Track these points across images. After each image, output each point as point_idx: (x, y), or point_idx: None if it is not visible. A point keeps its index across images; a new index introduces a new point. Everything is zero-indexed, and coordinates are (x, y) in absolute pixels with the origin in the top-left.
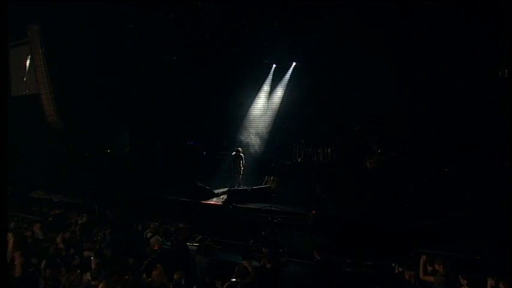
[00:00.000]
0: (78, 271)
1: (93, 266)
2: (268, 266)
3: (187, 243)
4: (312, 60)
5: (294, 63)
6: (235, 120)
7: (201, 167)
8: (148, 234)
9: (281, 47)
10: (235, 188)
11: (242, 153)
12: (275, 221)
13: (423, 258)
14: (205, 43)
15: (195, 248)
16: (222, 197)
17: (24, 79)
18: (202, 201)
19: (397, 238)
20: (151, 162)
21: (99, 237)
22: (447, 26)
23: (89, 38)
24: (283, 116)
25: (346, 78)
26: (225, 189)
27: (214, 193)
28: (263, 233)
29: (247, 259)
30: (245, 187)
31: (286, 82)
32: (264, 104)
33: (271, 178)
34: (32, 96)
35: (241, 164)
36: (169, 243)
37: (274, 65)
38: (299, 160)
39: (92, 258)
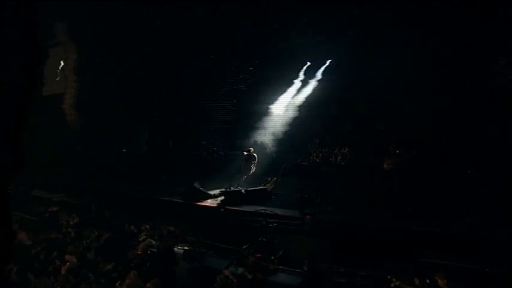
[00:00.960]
0: (52, 277)
1: (63, 272)
2: (249, 276)
3: (180, 247)
4: (341, 59)
5: (329, 61)
6: (256, 119)
7: (213, 166)
8: (142, 237)
9: (312, 44)
10: (231, 189)
11: (255, 153)
12: (270, 225)
13: None
14: (232, 40)
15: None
16: (218, 198)
17: (58, 79)
18: (196, 203)
19: (399, 246)
20: (163, 161)
21: (86, 240)
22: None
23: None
24: (306, 115)
25: (375, 76)
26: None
27: (210, 195)
28: (259, 238)
29: (232, 267)
30: (240, 188)
31: (317, 80)
32: (288, 104)
33: (274, 179)
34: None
35: (252, 165)
36: None
37: (308, 63)
38: (317, 160)
39: (67, 263)
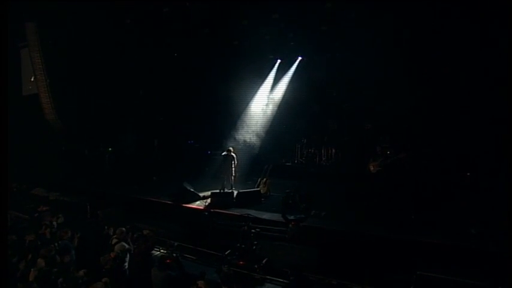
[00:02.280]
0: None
1: (30, 279)
2: None
3: (163, 251)
4: (317, 55)
5: (300, 58)
6: (236, 118)
7: (199, 166)
8: (114, 241)
9: (284, 40)
10: (224, 191)
11: (234, 153)
12: (253, 230)
13: None
14: (204, 37)
15: None
16: (206, 200)
17: (32, 79)
18: (184, 205)
19: (399, 257)
20: (150, 161)
21: (58, 242)
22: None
23: (87, 36)
24: (286, 114)
25: (355, 73)
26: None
27: (199, 196)
28: (238, 244)
29: (212, 275)
30: (233, 190)
31: (290, 78)
32: (267, 101)
33: (264, 181)
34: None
35: (232, 165)
36: None
37: (278, 60)
38: (302, 161)
39: (32, 270)
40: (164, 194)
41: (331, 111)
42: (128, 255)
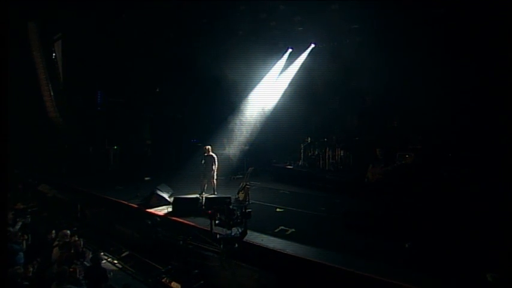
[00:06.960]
0: None
1: None
2: None
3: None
4: (332, 39)
5: (313, 45)
6: (237, 115)
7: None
8: (55, 243)
9: (291, 25)
10: (203, 195)
11: (213, 153)
12: (189, 246)
13: None
14: (207, 29)
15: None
16: (169, 207)
17: None
18: (146, 210)
19: None
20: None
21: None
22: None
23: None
24: (296, 109)
25: (380, 60)
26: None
27: (167, 201)
28: (173, 261)
29: None
30: (215, 195)
31: (300, 67)
32: (277, 94)
33: (243, 186)
34: None
35: (213, 167)
36: None
37: (289, 49)
38: (306, 164)
39: None
40: (141, 197)
41: (350, 104)
42: None
